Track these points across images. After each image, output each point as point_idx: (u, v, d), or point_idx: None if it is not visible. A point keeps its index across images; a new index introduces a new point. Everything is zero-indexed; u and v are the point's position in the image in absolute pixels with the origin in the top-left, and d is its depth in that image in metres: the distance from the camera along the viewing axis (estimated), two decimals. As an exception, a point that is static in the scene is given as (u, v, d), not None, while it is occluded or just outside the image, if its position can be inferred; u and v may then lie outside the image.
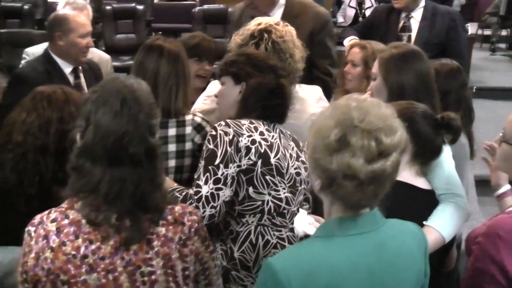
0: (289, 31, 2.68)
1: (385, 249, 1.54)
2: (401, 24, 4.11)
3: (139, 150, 1.63)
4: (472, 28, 11.59)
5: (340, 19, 9.90)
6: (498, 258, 1.82)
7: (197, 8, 8.69)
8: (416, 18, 4.10)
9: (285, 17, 3.16)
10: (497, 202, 2.33)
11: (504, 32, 12.06)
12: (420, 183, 2.13)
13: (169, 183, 2.21)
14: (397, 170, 1.52)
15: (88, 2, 4.74)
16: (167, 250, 1.66)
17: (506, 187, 2.36)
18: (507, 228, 1.84)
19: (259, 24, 2.66)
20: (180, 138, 2.49)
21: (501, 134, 1.98)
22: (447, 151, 2.20)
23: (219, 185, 2.12)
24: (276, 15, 3.30)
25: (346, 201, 1.51)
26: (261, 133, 2.20)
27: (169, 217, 1.69)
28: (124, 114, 1.63)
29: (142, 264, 1.64)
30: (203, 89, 2.92)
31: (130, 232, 1.61)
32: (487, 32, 12.04)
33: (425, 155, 2.11)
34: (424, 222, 2.08)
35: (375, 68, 2.44)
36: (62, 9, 3.94)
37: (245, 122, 2.23)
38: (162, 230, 1.66)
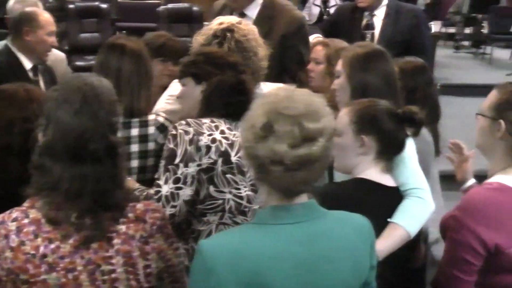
0: (252, 29, 2.68)
1: (318, 239, 1.55)
2: (364, 22, 4.11)
3: (99, 147, 1.62)
4: (436, 26, 11.74)
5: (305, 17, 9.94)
6: (476, 229, 1.89)
7: (162, 7, 8.63)
8: (379, 16, 4.09)
9: (260, 16, 3.19)
10: (462, 196, 2.36)
11: (467, 30, 12.26)
12: (386, 180, 2.14)
13: (131, 183, 2.20)
14: (327, 156, 1.56)
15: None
16: (128, 248, 1.65)
17: (471, 181, 2.40)
18: (482, 200, 1.93)
19: (221, 24, 2.65)
20: (143, 138, 2.47)
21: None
22: (410, 147, 2.21)
23: (179, 185, 2.12)
24: (251, 13, 3.32)
25: (277, 187, 1.54)
26: (222, 132, 2.20)
27: (130, 215, 1.67)
28: (84, 111, 1.62)
29: (102, 263, 1.62)
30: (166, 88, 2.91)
31: (90, 230, 1.60)
32: (451, 30, 12.23)
33: (389, 151, 2.12)
34: (388, 219, 2.09)
35: (339, 66, 2.45)
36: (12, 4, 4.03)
37: (206, 120, 2.22)
38: (123, 228, 1.65)
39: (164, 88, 2.93)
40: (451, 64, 10.23)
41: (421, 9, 4.22)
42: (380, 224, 2.07)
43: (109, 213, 1.63)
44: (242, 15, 3.31)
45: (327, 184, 2.30)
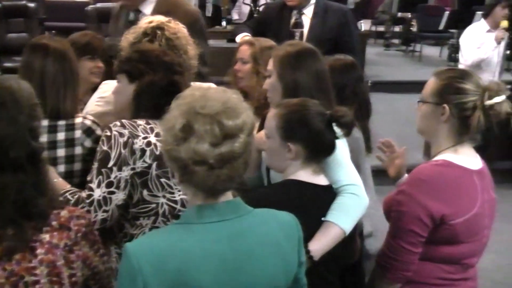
0: (181, 28, 2.68)
1: (243, 237, 1.56)
2: (293, 21, 4.12)
3: (20, 154, 1.56)
4: (366, 25, 11.98)
5: (235, 16, 9.95)
6: (423, 201, 1.98)
7: (91, 7, 8.43)
8: (307, 14, 4.11)
9: (155, 13, 3.19)
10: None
11: (397, 28, 12.56)
12: (318, 179, 2.13)
13: (62, 185, 2.14)
14: (249, 151, 1.57)
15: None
16: (52, 257, 1.59)
17: (405, 176, 2.44)
18: (429, 174, 2.03)
19: (150, 22, 2.63)
20: (70, 143, 2.40)
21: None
22: (342, 144, 2.22)
23: (112, 189, 2.06)
24: (146, 10, 3.36)
25: (202, 187, 1.54)
26: (157, 134, 2.14)
27: (54, 223, 1.62)
28: (2, 117, 1.55)
29: (25, 274, 1.56)
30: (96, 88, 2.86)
31: (13, 241, 1.53)
32: (381, 28, 12.49)
33: (318, 155, 2.11)
34: (322, 218, 2.09)
35: (270, 66, 2.44)
36: None
37: (141, 122, 2.17)
38: (46, 237, 1.59)
39: (95, 88, 2.89)
40: (382, 62, 10.45)
41: (349, 8, 4.28)
42: (316, 223, 2.08)
43: (32, 222, 1.57)
44: (138, 12, 3.39)
45: (259, 188, 2.29)
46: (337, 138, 2.11)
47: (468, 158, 2.11)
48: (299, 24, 4.10)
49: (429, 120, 2.11)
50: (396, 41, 12.55)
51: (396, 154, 2.48)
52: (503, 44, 5.62)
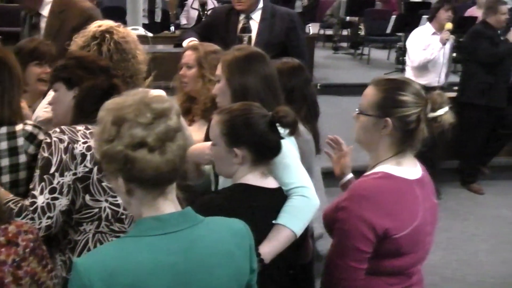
0: (130, 33, 2.68)
1: (195, 247, 1.55)
2: (241, 25, 4.13)
3: None
4: (314, 28, 12.12)
5: (183, 21, 9.92)
6: (366, 217, 1.93)
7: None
8: (255, 19, 4.13)
9: (51, 13, 3.31)
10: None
11: (345, 32, 12.70)
12: (267, 182, 2.13)
13: (4, 194, 2.10)
14: (184, 134, 1.56)
15: None
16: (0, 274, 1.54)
17: (349, 176, 2.46)
18: (369, 188, 1.98)
19: (100, 26, 2.63)
20: (13, 151, 2.33)
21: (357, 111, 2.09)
22: (289, 145, 2.22)
23: (55, 195, 2.05)
24: (44, 12, 3.50)
25: (147, 181, 1.50)
26: None
27: (1, 239, 1.58)
28: None
29: None
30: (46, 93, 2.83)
31: None
32: (329, 32, 12.62)
33: (265, 154, 2.11)
34: (273, 221, 2.09)
35: (218, 71, 2.44)
36: None
37: (80, 128, 2.16)
38: None
39: (44, 94, 2.86)
40: (331, 65, 10.55)
41: (296, 12, 4.34)
42: (266, 226, 2.08)
43: None
44: (38, 15, 3.54)
45: (207, 194, 2.27)
46: (282, 138, 2.11)
47: (408, 168, 2.07)
48: (247, 29, 4.12)
49: (370, 133, 2.06)
50: (344, 44, 12.69)
51: (343, 152, 2.49)
52: (448, 45, 5.76)
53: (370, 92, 2.06)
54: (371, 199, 1.95)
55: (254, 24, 4.13)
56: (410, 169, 2.08)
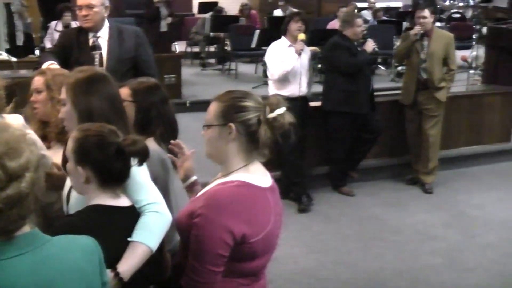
0: None
1: (45, 267, 1.55)
2: (91, 43, 4.29)
3: None
4: (180, 47, 12.16)
5: (48, 44, 9.62)
6: (224, 223, 2.00)
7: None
8: (103, 37, 4.32)
9: None
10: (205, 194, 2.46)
11: (212, 48, 12.86)
12: (120, 201, 2.17)
13: None
14: (39, 185, 1.55)
15: None
16: None
17: (193, 178, 2.53)
18: (227, 195, 2.05)
19: None
20: None
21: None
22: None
23: None
24: None
25: None
26: None
27: None
28: None
29: None
30: None
31: None
32: (196, 49, 12.73)
33: (109, 180, 2.13)
34: (128, 238, 2.12)
35: (63, 94, 2.42)
36: None
37: None
38: None
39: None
40: (199, 82, 10.63)
41: (141, 30, 4.59)
42: (122, 244, 2.10)
43: None
44: None
45: (62, 218, 2.27)
46: (128, 167, 2.14)
47: (260, 176, 2.17)
48: (97, 47, 4.29)
49: (217, 142, 2.14)
50: (212, 60, 12.84)
51: (186, 156, 2.55)
52: (305, 56, 5.91)
53: (213, 106, 2.16)
54: (229, 206, 2.03)
55: (103, 42, 4.31)
56: (262, 177, 2.19)
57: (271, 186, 2.22)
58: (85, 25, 4.25)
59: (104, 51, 4.27)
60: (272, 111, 2.08)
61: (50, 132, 2.96)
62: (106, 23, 4.34)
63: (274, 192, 2.23)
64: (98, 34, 4.30)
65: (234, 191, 2.07)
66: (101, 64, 4.23)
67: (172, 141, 2.58)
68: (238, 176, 2.12)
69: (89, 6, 4.22)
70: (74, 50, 4.22)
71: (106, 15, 4.34)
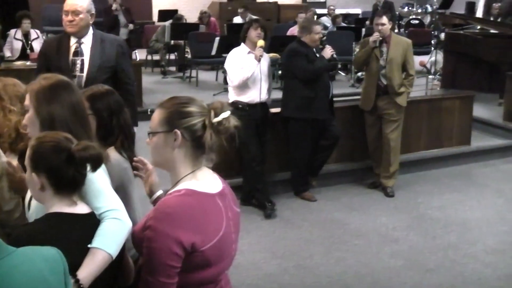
0: None
1: (9, 279, 1.53)
2: (73, 50, 4.38)
3: None
4: (141, 55, 12.09)
5: (7, 53, 9.46)
6: (172, 233, 1.97)
7: None
8: (86, 44, 4.40)
9: None
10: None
11: (172, 56, 12.81)
12: (79, 209, 2.15)
13: None
14: (1, 194, 1.52)
15: None
16: None
17: (159, 192, 2.51)
18: (173, 206, 2.02)
19: None
20: None
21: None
22: (99, 171, 2.22)
23: None
24: None
25: None
26: None
27: None
28: None
29: None
30: None
31: None
32: (156, 57, 12.66)
33: (62, 187, 2.11)
34: (88, 245, 2.09)
35: (27, 101, 2.40)
36: None
37: None
38: None
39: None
40: (160, 90, 10.57)
41: (123, 39, 4.69)
42: (81, 252, 2.08)
43: None
44: None
45: (19, 227, 2.22)
46: (81, 173, 2.11)
47: (208, 182, 2.16)
48: (80, 53, 4.38)
49: (163, 149, 2.12)
50: (173, 68, 12.79)
51: (149, 171, 2.53)
52: (265, 62, 5.93)
53: (157, 113, 2.14)
54: (176, 216, 2.00)
55: (86, 48, 4.39)
56: (211, 182, 2.17)
57: (221, 191, 2.19)
58: (69, 30, 4.33)
59: (86, 58, 4.35)
60: (216, 115, 2.07)
61: (3, 142, 2.90)
62: (91, 30, 4.43)
63: (224, 197, 2.20)
64: (82, 40, 4.37)
65: (181, 201, 2.05)
66: (81, 70, 4.31)
67: (134, 158, 2.58)
68: (185, 184, 2.10)
69: (75, 12, 4.31)
70: (55, 57, 4.31)
71: (91, 22, 4.41)
